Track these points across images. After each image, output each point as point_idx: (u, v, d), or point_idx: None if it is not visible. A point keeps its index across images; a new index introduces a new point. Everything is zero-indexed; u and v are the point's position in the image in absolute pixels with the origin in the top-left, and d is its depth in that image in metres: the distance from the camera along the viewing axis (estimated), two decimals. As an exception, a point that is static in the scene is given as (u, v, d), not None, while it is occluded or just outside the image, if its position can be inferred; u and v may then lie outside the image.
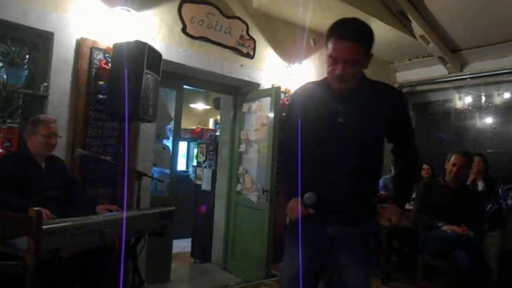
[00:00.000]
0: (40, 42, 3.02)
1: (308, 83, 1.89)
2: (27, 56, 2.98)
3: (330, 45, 1.63)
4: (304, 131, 1.70)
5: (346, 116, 1.66)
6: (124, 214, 2.23)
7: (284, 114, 2.01)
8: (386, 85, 1.84)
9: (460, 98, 5.93)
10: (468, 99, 5.87)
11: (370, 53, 1.69)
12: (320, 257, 1.73)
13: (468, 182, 4.04)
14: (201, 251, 4.78)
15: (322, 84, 1.77)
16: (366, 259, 1.71)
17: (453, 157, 3.46)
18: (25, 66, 2.96)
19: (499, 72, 5.24)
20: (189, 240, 5.00)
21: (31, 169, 2.43)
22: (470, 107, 5.88)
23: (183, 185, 5.39)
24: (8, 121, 2.78)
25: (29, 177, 2.39)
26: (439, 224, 3.26)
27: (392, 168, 5.04)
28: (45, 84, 2.97)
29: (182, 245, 5.07)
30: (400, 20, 4.91)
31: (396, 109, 1.74)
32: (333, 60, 1.62)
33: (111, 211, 2.53)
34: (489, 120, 5.73)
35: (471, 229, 3.17)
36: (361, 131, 1.65)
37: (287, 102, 4.35)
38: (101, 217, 2.16)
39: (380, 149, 1.76)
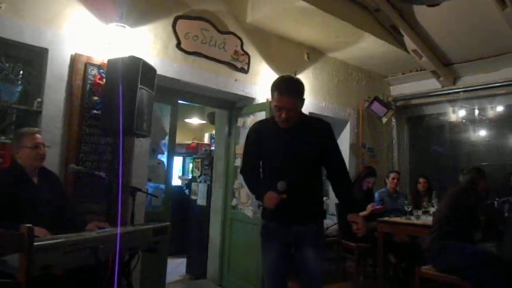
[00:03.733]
0: (34, 58, 3.03)
1: (261, 121, 2.63)
2: (21, 72, 2.98)
3: (275, 97, 2.21)
4: (262, 156, 2.37)
5: (291, 143, 2.27)
6: (118, 230, 2.20)
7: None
8: (318, 119, 2.49)
9: (453, 112, 5.97)
10: (462, 112, 5.92)
11: (303, 99, 2.29)
12: (288, 246, 2.31)
13: None
14: (196, 267, 4.72)
15: (271, 121, 2.35)
16: (319, 245, 2.30)
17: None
18: (19, 82, 2.95)
19: (491, 85, 5.30)
20: (184, 256, 4.94)
21: (23, 185, 2.40)
22: (464, 120, 5.93)
23: (178, 200, 5.36)
24: (2, 137, 2.77)
25: (21, 193, 2.35)
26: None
27: (386, 181, 5.06)
28: (39, 99, 2.96)
29: (177, 262, 5.01)
30: (392, 35, 4.97)
31: (325, 136, 2.35)
32: (278, 108, 2.20)
33: (101, 228, 2.50)
34: (483, 133, 5.78)
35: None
36: (303, 153, 2.25)
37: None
38: (94, 233, 2.13)
39: (319, 168, 2.39)
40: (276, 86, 2.22)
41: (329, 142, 2.36)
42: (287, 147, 2.26)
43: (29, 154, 2.43)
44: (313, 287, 2.28)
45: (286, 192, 2.14)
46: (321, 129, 2.34)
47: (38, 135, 2.51)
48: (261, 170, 2.44)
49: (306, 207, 2.28)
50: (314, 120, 2.46)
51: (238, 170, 4.35)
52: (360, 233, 2.22)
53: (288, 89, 2.20)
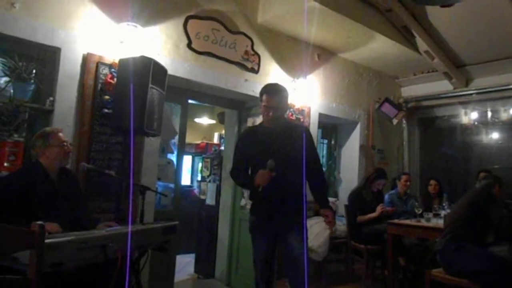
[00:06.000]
0: (47, 57, 3.06)
1: (251, 126, 3.06)
2: (34, 71, 3.01)
3: (264, 98, 2.61)
4: (251, 156, 2.66)
5: (277, 142, 2.59)
6: (129, 228, 2.21)
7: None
8: (298, 122, 2.99)
9: (465, 114, 5.90)
10: (474, 115, 5.84)
11: (287, 103, 2.75)
12: (274, 238, 2.61)
13: None
14: (204, 267, 4.73)
15: (259, 126, 2.79)
16: (300, 236, 2.53)
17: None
18: (32, 81, 2.99)
19: (505, 87, 5.22)
20: (193, 255, 4.96)
21: (44, 184, 2.40)
22: (476, 123, 5.86)
23: (187, 199, 5.38)
24: (14, 135, 2.80)
25: (42, 192, 2.36)
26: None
27: (397, 182, 5.03)
28: (51, 98, 2.99)
29: (185, 261, 5.03)
30: (404, 36, 4.93)
31: (307, 137, 2.60)
32: (267, 108, 2.60)
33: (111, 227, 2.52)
34: (495, 135, 5.70)
35: None
36: (286, 152, 2.53)
37: (292, 117, 4.36)
38: (104, 232, 2.15)
39: (300, 168, 2.52)
40: (265, 89, 2.67)
41: (310, 143, 2.66)
42: (274, 146, 2.58)
43: (59, 152, 2.46)
44: (299, 274, 2.49)
45: (275, 170, 2.41)
46: (302, 131, 2.65)
47: (61, 134, 2.54)
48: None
49: (292, 203, 2.57)
50: (295, 123, 3.04)
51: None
52: (331, 226, 2.67)
53: (274, 91, 2.64)
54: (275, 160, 2.43)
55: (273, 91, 2.64)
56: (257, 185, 2.44)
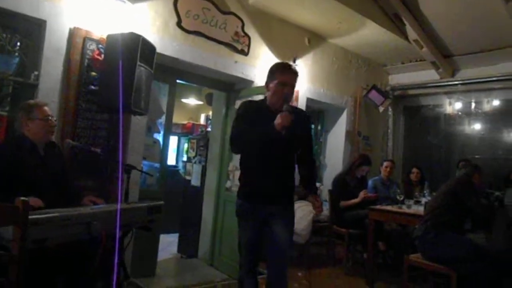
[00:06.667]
0: (32, 29, 2.98)
1: (252, 100, 2.74)
2: (19, 44, 2.93)
3: (279, 75, 2.41)
4: None
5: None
6: (118, 206, 2.20)
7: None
8: (300, 109, 2.87)
9: (450, 104, 5.99)
10: (458, 105, 5.94)
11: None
12: (262, 223, 2.47)
13: None
14: (188, 247, 4.76)
15: (262, 104, 2.52)
16: (288, 223, 2.50)
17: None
18: (16, 54, 2.91)
19: (489, 79, 5.30)
20: (176, 235, 4.99)
21: (30, 158, 2.37)
22: (459, 113, 5.96)
23: (173, 180, 5.37)
24: (-3, 108, 2.74)
25: (27, 166, 2.32)
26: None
27: (381, 169, 5.11)
28: (36, 72, 2.92)
29: (169, 240, 5.05)
30: (395, 23, 4.94)
31: (308, 123, 2.67)
32: (282, 84, 2.39)
33: (96, 203, 2.51)
34: (477, 126, 5.81)
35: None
36: (289, 136, 2.27)
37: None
38: (88, 209, 2.14)
39: (295, 155, 2.55)
40: (280, 65, 2.51)
41: (309, 132, 2.69)
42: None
43: (41, 126, 2.41)
44: (281, 260, 2.46)
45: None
46: (304, 117, 2.61)
47: (46, 108, 2.49)
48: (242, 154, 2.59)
49: (284, 188, 2.51)
50: (298, 109, 2.78)
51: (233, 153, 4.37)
52: (320, 211, 2.61)
53: (291, 68, 2.49)
54: (274, 146, 2.33)
55: (291, 67, 2.48)
56: (281, 127, 2.19)
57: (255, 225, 2.49)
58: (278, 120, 2.20)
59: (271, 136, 2.24)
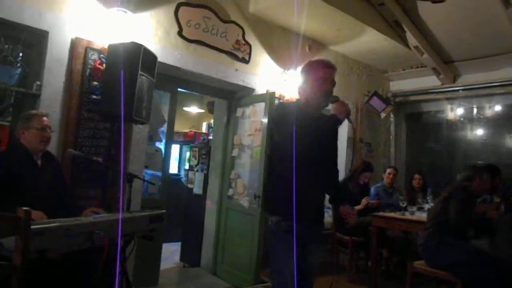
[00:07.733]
0: (34, 40, 3.00)
1: (292, 102, 2.49)
2: (21, 54, 2.95)
3: (321, 70, 2.26)
4: (280, 142, 2.18)
5: (318, 132, 2.14)
6: (120, 215, 2.20)
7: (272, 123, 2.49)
8: (332, 114, 2.28)
9: (452, 109, 5.98)
10: (460, 111, 5.93)
11: None
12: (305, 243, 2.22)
13: None
14: (190, 255, 4.74)
15: (296, 106, 2.29)
16: (323, 240, 2.55)
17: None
18: (18, 64, 2.93)
19: (491, 85, 5.30)
20: (179, 244, 4.97)
21: (27, 166, 2.37)
22: (461, 119, 5.95)
23: (175, 188, 5.36)
24: (-1, 119, 2.76)
25: (25, 174, 2.32)
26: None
27: (384, 176, 5.09)
28: (38, 82, 2.94)
29: (171, 249, 5.03)
30: (395, 30, 4.95)
31: (336, 129, 2.32)
32: (325, 80, 2.24)
33: (97, 214, 2.51)
34: (480, 132, 5.79)
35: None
36: (326, 144, 2.19)
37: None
38: (90, 219, 2.13)
39: (327, 165, 2.32)
40: (320, 61, 2.35)
41: (336, 136, 2.39)
42: (317, 137, 2.13)
43: (36, 135, 2.41)
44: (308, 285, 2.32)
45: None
46: (334, 122, 2.27)
47: (45, 118, 2.50)
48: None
49: (316, 205, 2.32)
50: (327, 113, 2.38)
51: (235, 160, 4.37)
52: (353, 219, 2.46)
53: (332, 63, 2.34)
54: (312, 153, 2.10)
55: (330, 62, 2.33)
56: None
57: (298, 247, 2.12)
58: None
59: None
